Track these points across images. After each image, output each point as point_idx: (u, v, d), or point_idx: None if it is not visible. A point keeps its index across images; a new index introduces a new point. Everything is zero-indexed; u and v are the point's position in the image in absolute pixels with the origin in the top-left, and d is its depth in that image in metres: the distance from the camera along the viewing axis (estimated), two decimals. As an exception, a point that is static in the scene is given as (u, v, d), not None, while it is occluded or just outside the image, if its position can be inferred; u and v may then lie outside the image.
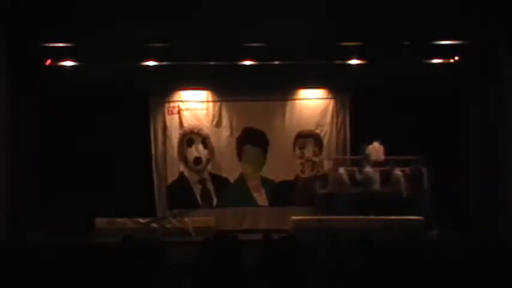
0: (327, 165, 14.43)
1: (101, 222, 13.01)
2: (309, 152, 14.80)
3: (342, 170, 13.75)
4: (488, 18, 11.97)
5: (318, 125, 14.90)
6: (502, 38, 12.14)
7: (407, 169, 13.50)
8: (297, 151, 14.83)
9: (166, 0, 11.66)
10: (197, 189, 14.71)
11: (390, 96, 13.93)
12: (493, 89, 12.64)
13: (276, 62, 13.26)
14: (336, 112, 14.94)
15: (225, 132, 14.86)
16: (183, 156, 14.74)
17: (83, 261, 5.21)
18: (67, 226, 12.22)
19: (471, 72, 13.14)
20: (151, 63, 13.32)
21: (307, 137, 14.89)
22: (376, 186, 13.50)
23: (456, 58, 13.39)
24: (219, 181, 14.75)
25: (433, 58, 13.43)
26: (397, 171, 13.50)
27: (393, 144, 13.53)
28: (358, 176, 13.62)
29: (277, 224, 13.07)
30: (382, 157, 13.77)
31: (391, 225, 11.98)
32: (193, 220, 13.29)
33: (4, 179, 12.02)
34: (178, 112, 14.82)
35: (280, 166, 14.74)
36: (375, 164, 13.70)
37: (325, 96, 15.05)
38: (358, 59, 13.26)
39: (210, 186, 14.75)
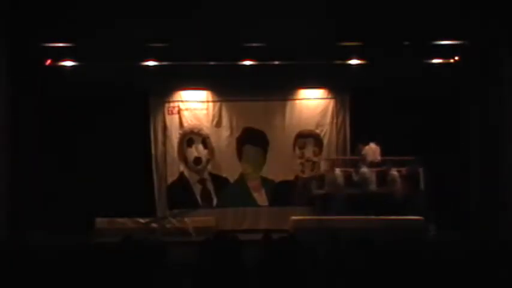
0: (323, 165, 14.41)
1: (101, 222, 13.00)
2: (309, 152, 14.80)
3: (338, 171, 13.74)
4: (488, 18, 11.97)
5: (318, 125, 14.90)
6: (502, 38, 12.14)
7: (403, 169, 13.51)
8: (297, 151, 14.83)
9: (166, 0, 11.66)
10: (197, 189, 14.71)
11: (390, 96, 13.93)
12: (493, 89, 12.64)
13: (276, 62, 13.26)
14: (336, 112, 14.94)
15: (225, 132, 14.86)
16: (183, 156, 14.74)
17: (83, 261, 5.21)
18: (67, 226, 12.22)
19: (471, 72, 13.14)
20: (151, 63, 13.31)
21: (307, 137, 14.89)
22: (373, 186, 13.49)
23: (456, 58, 13.39)
24: (219, 181, 14.75)
25: (433, 58, 13.42)
26: (394, 172, 13.50)
27: (393, 145, 13.52)
28: (355, 177, 13.62)
29: (277, 224, 13.06)
30: (378, 158, 13.76)
31: (391, 225, 11.98)
32: (193, 220, 13.28)
33: (4, 179, 12.02)
34: (178, 112, 14.82)
35: (280, 166, 14.74)
36: (372, 164, 13.69)
37: (325, 96, 15.06)
38: (358, 59, 13.26)
39: (210, 186, 14.75)
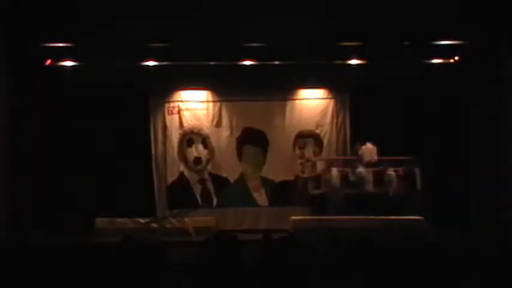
0: (319, 165, 14.41)
1: (101, 222, 13.00)
2: (309, 152, 14.80)
3: (334, 171, 13.74)
4: (488, 18, 11.96)
5: (318, 125, 14.90)
6: (502, 38, 12.14)
7: (400, 169, 13.52)
8: (297, 151, 14.83)
9: (166, 0, 11.66)
10: (197, 189, 14.71)
11: (390, 96, 13.94)
12: (493, 89, 12.64)
13: (276, 62, 13.26)
14: (336, 112, 14.95)
15: (225, 132, 14.86)
16: (183, 156, 14.74)
17: (83, 261, 5.21)
18: (67, 226, 12.23)
19: (471, 72, 13.14)
20: (151, 63, 13.31)
21: (307, 137, 14.89)
22: (369, 186, 13.51)
23: (456, 58, 13.39)
24: (219, 181, 14.75)
25: (433, 58, 13.42)
26: (390, 172, 13.51)
27: (393, 145, 13.53)
28: (351, 177, 13.63)
29: (277, 224, 13.05)
30: (375, 158, 13.76)
31: (391, 225, 11.98)
32: (193, 220, 13.28)
33: (4, 179, 12.02)
34: (178, 112, 14.82)
35: (280, 166, 14.75)
36: (368, 164, 13.69)
37: (325, 96, 15.06)
38: (358, 59, 13.25)
39: (210, 186, 14.75)
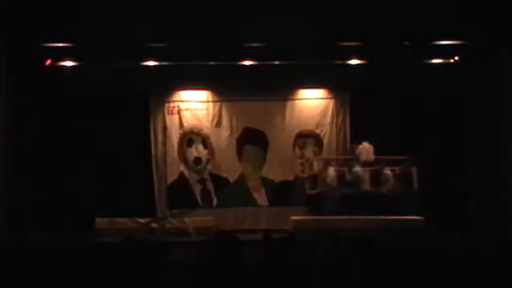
0: (316, 165, 14.41)
1: (101, 222, 13.00)
2: (309, 152, 14.80)
3: (331, 170, 13.74)
4: (488, 18, 11.96)
5: (318, 125, 14.90)
6: (502, 38, 12.14)
7: (396, 169, 13.53)
8: (297, 151, 14.84)
9: (166, 0, 11.66)
10: (197, 189, 14.71)
11: (390, 96, 13.94)
12: (493, 89, 12.64)
13: (276, 62, 13.26)
14: (336, 112, 14.95)
15: (225, 132, 14.86)
16: (183, 156, 14.74)
17: (83, 261, 5.21)
18: (67, 226, 12.24)
19: (471, 72, 13.14)
20: (151, 63, 13.31)
21: (307, 137, 14.89)
22: (366, 186, 13.51)
23: (456, 58, 13.39)
24: (219, 181, 14.75)
25: (433, 58, 13.42)
26: (387, 171, 13.52)
27: (393, 145, 13.52)
28: (348, 176, 13.63)
29: (277, 224, 13.06)
30: (372, 157, 13.76)
31: (391, 225, 11.99)
32: (193, 220, 13.28)
33: (4, 179, 12.02)
34: (178, 112, 14.82)
35: (280, 166, 14.75)
36: (365, 163, 13.69)
37: (325, 96, 15.06)
38: (358, 59, 13.25)
39: (210, 186, 14.75)
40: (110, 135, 13.92)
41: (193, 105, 14.88)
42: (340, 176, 13.64)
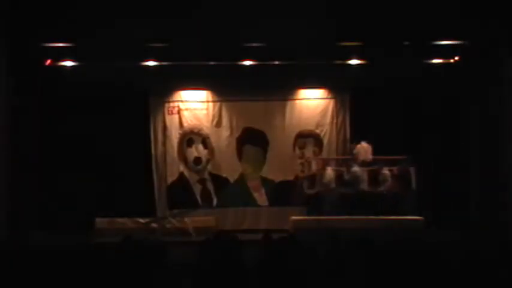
0: (314, 165, 14.40)
1: (101, 222, 12.99)
2: (309, 152, 14.79)
3: (329, 170, 13.74)
4: (488, 18, 11.96)
5: (318, 125, 14.89)
6: (502, 38, 12.14)
7: (395, 169, 13.52)
8: (297, 151, 14.83)
9: (166, 0, 11.66)
10: (197, 189, 14.71)
11: (390, 96, 13.94)
12: (493, 89, 12.64)
13: (276, 62, 13.25)
14: (336, 112, 14.94)
15: (225, 132, 14.86)
16: (183, 156, 14.74)
17: (83, 261, 5.21)
18: (67, 226, 12.23)
19: (471, 72, 13.14)
20: (151, 63, 13.30)
21: (307, 137, 14.88)
22: (364, 185, 13.50)
23: (456, 58, 13.39)
24: (219, 181, 14.75)
25: (433, 58, 13.41)
26: (385, 171, 13.52)
27: (393, 145, 13.52)
28: (346, 176, 13.63)
29: (277, 224, 13.05)
30: (370, 157, 13.75)
31: (391, 225, 11.99)
32: (193, 220, 13.27)
33: (4, 179, 12.02)
34: (178, 112, 14.82)
35: (280, 166, 14.74)
36: (363, 163, 13.69)
37: (325, 96, 15.05)
38: (358, 59, 13.24)
39: (210, 186, 14.75)
40: (110, 135, 13.92)
41: (193, 105, 14.87)
42: (338, 176, 13.64)
